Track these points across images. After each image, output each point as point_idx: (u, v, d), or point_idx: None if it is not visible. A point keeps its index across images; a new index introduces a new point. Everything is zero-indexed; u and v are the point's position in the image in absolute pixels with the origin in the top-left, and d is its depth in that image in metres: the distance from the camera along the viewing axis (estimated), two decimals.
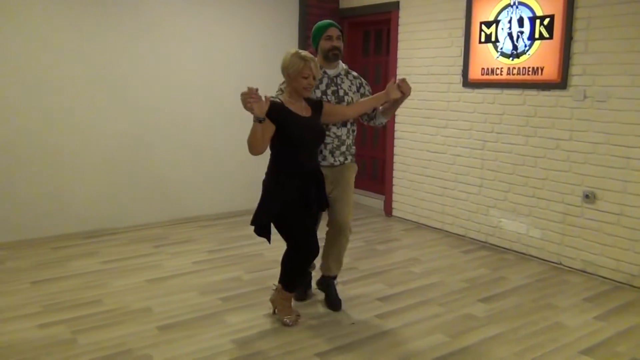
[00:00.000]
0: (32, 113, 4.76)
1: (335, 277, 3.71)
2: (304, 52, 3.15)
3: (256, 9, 5.90)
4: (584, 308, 3.72)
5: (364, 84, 3.60)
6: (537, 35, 4.48)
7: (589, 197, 4.25)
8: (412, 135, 5.71)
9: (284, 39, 6.11)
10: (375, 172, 6.58)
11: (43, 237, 4.92)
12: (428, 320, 3.49)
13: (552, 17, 4.35)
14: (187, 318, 3.45)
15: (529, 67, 4.56)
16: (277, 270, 4.15)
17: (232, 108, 5.67)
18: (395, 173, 5.98)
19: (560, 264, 4.51)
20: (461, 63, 5.12)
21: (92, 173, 5.12)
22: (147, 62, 5.29)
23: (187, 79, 5.55)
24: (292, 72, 3.12)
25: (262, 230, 3.31)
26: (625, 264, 4.09)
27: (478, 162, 5.07)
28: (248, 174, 5.81)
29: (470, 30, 4.99)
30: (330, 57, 3.44)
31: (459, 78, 5.16)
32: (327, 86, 3.44)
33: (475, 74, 5.00)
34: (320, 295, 3.77)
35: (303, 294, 3.75)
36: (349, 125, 3.52)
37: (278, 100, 3.19)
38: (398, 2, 5.73)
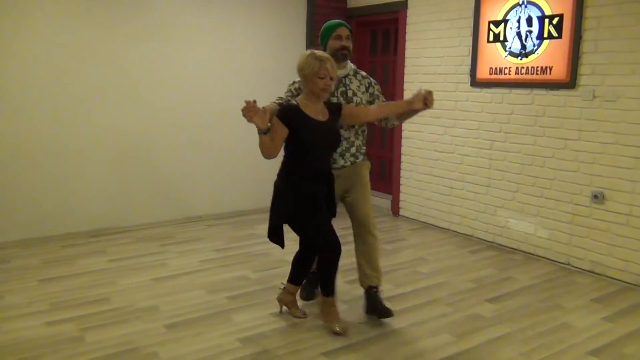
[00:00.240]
0: (40, 113, 4.78)
1: (376, 288, 3.49)
2: (319, 52, 3.10)
3: (264, 8, 5.90)
4: (592, 309, 3.69)
5: (372, 84, 3.53)
6: (546, 35, 4.45)
7: (597, 198, 4.22)
8: (420, 135, 5.69)
9: (291, 39, 6.12)
10: (383, 171, 6.57)
11: (51, 235, 4.95)
12: (435, 320, 3.48)
13: (561, 16, 4.33)
14: (193, 316, 3.45)
15: (537, 67, 4.54)
16: (283, 270, 4.17)
17: (240, 108, 5.69)
18: (402, 173, 5.97)
19: (568, 264, 4.48)
20: (469, 62, 5.10)
21: (99, 172, 5.15)
22: (155, 61, 5.30)
23: (195, 78, 5.56)
24: (307, 73, 3.05)
25: (274, 235, 3.26)
26: (634, 264, 4.06)
27: (486, 162, 5.05)
28: (255, 174, 5.82)
29: (479, 30, 4.97)
30: (338, 56, 3.35)
31: (467, 77, 5.14)
32: (336, 87, 3.40)
33: (483, 73, 4.97)
34: None
35: (310, 293, 3.74)
36: (356, 126, 3.45)
37: (294, 102, 3.14)
38: (406, 2, 5.71)
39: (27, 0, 4.61)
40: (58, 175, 4.93)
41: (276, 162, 3.25)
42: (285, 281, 3.55)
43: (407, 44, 5.75)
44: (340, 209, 3.44)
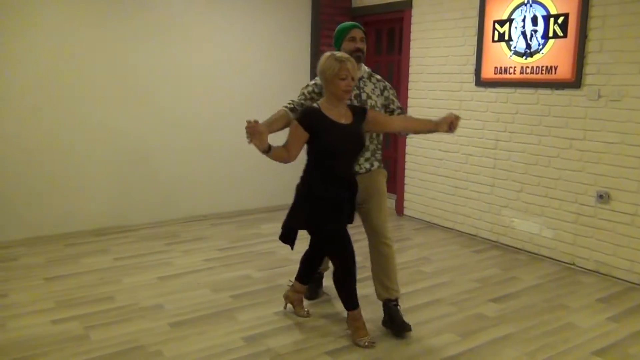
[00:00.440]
0: (45, 113, 4.80)
1: (395, 301, 3.36)
2: (339, 53, 3.02)
3: (269, 7, 5.90)
4: (596, 309, 3.68)
5: (387, 87, 3.45)
6: (551, 34, 4.44)
7: (602, 197, 4.20)
8: (424, 135, 5.67)
9: (296, 38, 6.12)
10: (387, 171, 6.55)
11: (56, 234, 4.97)
12: (438, 319, 3.48)
13: (566, 15, 4.32)
14: (198, 315, 3.46)
15: (542, 66, 4.52)
16: (288, 268, 4.19)
17: (244, 107, 5.70)
18: (407, 172, 5.96)
19: (573, 264, 4.47)
20: (474, 62, 5.09)
21: (103, 171, 5.16)
22: (158, 62, 5.31)
23: (199, 78, 5.57)
24: (328, 75, 2.96)
25: (287, 237, 3.20)
26: (639, 264, 4.05)
27: (490, 162, 5.05)
28: (260, 173, 5.82)
29: (484, 29, 4.96)
30: (353, 59, 3.25)
31: (471, 77, 5.13)
32: None
33: (488, 73, 4.97)
34: (332, 293, 3.76)
35: (313, 292, 3.74)
36: None
37: (315, 105, 3.05)
38: (411, 1, 5.70)
39: (30, 2, 4.63)
40: (62, 175, 4.95)
41: (278, 162, 3.22)
42: (293, 279, 3.55)
43: (412, 44, 5.74)
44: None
